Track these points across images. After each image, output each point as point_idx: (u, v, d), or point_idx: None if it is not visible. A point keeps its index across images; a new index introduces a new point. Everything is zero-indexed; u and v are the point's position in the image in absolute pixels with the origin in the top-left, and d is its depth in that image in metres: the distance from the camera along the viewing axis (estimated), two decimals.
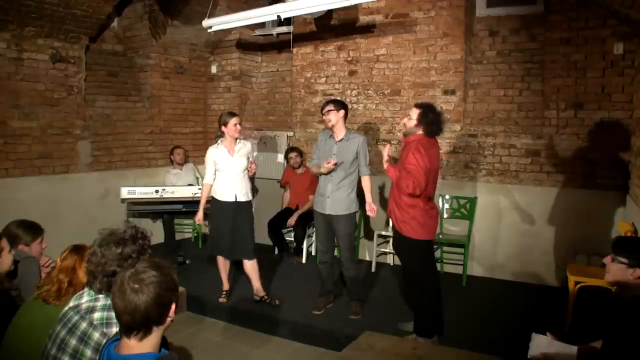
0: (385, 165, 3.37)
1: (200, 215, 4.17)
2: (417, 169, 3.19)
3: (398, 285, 4.66)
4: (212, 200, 4.13)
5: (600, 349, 2.14)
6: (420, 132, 3.33)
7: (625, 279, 2.07)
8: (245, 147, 4.16)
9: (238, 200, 4.07)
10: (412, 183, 3.19)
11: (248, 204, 4.16)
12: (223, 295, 4.28)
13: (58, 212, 5.06)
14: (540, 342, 2.28)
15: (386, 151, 3.38)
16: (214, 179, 4.11)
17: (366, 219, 5.28)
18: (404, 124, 3.42)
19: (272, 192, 6.00)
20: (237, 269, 4.56)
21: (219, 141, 4.15)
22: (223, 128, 4.07)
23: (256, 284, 4.18)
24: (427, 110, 3.34)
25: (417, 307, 3.51)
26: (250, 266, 4.14)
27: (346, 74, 5.57)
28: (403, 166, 3.31)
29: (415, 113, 3.34)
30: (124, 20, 6.05)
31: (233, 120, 4.04)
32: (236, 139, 4.11)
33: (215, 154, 4.09)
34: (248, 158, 4.14)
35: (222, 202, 4.07)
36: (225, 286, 4.33)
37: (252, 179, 4.30)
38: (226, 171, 4.06)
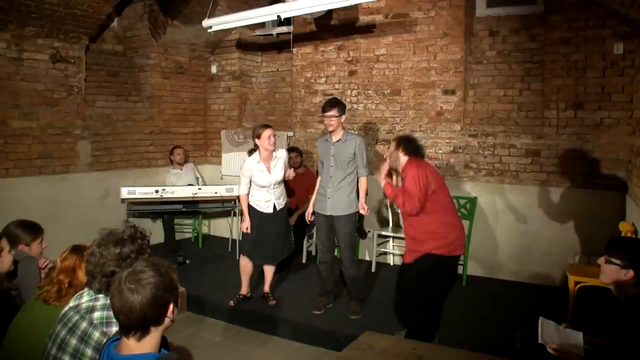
0: (383, 183, 3.39)
1: (247, 223, 4.03)
2: (414, 185, 3.17)
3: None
4: (249, 209, 4.09)
5: (602, 349, 2.14)
6: (401, 153, 3.35)
7: (620, 280, 2.07)
8: (280, 159, 4.07)
9: (277, 209, 4.08)
10: (406, 201, 3.20)
11: (284, 208, 4.17)
12: (237, 299, 4.19)
13: (58, 212, 5.07)
14: (549, 327, 2.28)
15: (385, 167, 3.41)
16: (249, 188, 4.08)
17: (361, 218, 5.27)
18: (386, 160, 3.46)
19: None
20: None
21: (257, 156, 4.00)
22: (257, 141, 3.95)
23: (268, 281, 4.24)
24: (402, 137, 3.52)
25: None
26: (270, 267, 4.19)
27: (346, 74, 5.57)
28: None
29: (393, 143, 3.46)
30: (124, 20, 6.06)
31: (267, 132, 3.90)
32: (272, 152, 3.99)
33: (254, 169, 4.00)
34: (284, 168, 4.08)
35: (261, 212, 4.06)
36: (244, 290, 4.24)
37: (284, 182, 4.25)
38: (263, 187, 4.03)
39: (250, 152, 4.32)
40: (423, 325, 3.32)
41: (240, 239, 4.33)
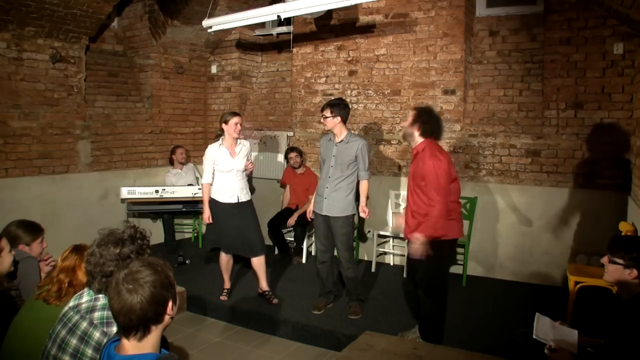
0: (417, 238, 3.14)
1: (207, 214, 4.08)
2: (436, 176, 3.09)
3: (397, 285, 4.68)
4: (211, 202, 4.09)
5: (601, 347, 2.14)
6: (416, 132, 3.28)
7: (623, 279, 2.07)
8: (245, 147, 4.15)
9: (240, 201, 4.07)
10: (437, 193, 3.09)
11: (249, 202, 4.16)
12: (224, 294, 4.29)
13: (58, 212, 5.07)
14: (545, 323, 2.29)
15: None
16: (213, 179, 4.09)
17: (361, 221, 5.27)
18: (402, 126, 3.41)
19: (272, 192, 6.00)
20: (239, 267, 4.56)
21: (220, 140, 4.13)
22: (223, 126, 4.04)
23: (262, 279, 4.20)
24: (422, 112, 3.33)
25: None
26: (258, 261, 4.14)
27: (346, 74, 5.57)
28: (416, 182, 3.23)
29: (410, 114, 3.35)
30: (124, 20, 6.06)
31: (234, 120, 4.01)
32: (236, 139, 4.09)
33: (216, 153, 4.06)
34: (247, 157, 4.13)
35: (224, 203, 4.05)
36: (227, 284, 4.34)
37: (249, 178, 4.30)
38: (226, 172, 4.05)
39: (217, 137, 4.34)
40: (437, 312, 3.32)
41: (204, 232, 4.33)
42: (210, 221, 4.08)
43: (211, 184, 4.10)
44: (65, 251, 2.16)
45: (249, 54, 6.60)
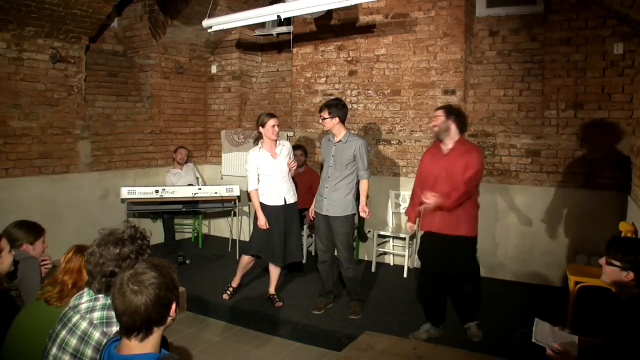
0: (434, 201, 3.27)
1: (263, 220, 3.93)
2: (479, 169, 3.32)
3: (398, 285, 4.67)
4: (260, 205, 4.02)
5: (600, 348, 2.15)
6: (453, 127, 3.36)
7: (620, 280, 2.08)
8: (285, 147, 4.08)
9: (287, 202, 4.04)
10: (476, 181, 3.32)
11: (295, 204, 4.13)
12: (228, 292, 4.25)
13: (58, 212, 5.07)
14: (544, 328, 2.29)
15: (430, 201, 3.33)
16: (258, 183, 4.02)
17: (361, 221, 5.27)
18: (432, 128, 3.46)
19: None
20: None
21: (260, 144, 4.05)
22: (260, 129, 3.97)
23: (273, 283, 4.19)
24: (452, 108, 3.47)
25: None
26: (276, 267, 4.13)
27: (346, 74, 5.57)
28: (454, 173, 3.31)
29: (439, 112, 3.41)
30: (124, 20, 6.06)
31: (271, 122, 3.93)
32: (275, 140, 4.01)
33: (258, 158, 3.99)
34: (289, 157, 4.07)
35: (272, 206, 4.00)
36: (235, 283, 4.28)
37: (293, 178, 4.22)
38: (271, 175, 3.99)
39: (256, 141, 4.26)
40: (479, 292, 3.54)
41: (250, 237, 4.24)
42: (267, 227, 3.95)
43: (257, 190, 4.02)
44: (68, 252, 2.15)
45: (249, 54, 6.60)
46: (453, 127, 3.37)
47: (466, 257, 3.43)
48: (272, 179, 4.00)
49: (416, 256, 3.88)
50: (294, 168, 4.11)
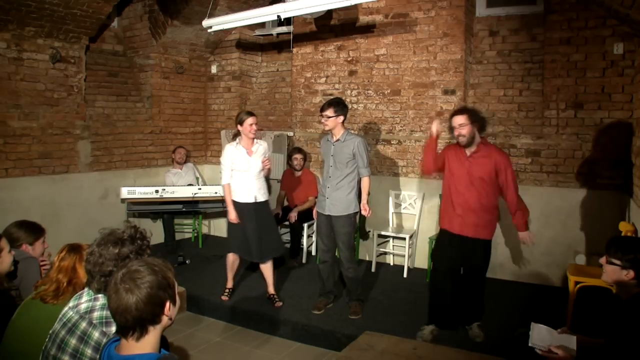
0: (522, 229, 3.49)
1: (233, 214, 4.00)
2: (513, 171, 3.38)
3: (398, 285, 4.67)
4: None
5: (601, 347, 2.15)
6: (476, 131, 3.33)
7: (621, 280, 2.08)
8: (262, 147, 4.11)
9: (258, 201, 4.05)
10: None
11: (267, 203, 4.15)
12: (226, 293, 4.27)
13: (58, 212, 5.07)
14: (540, 332, 2.29)
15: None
16: (231, 178, 4.05)
17: (362, 219, 5.27)
18: (461, 136, 3.32)
19: (272, 192, 5.99)
20: (241, 268, 4.55)
21: (237, 140, 4.10)
22: (239, 127, 4.02)
23: (269, 283, 4.18)
24: (471, 111, 3.41)
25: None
26: (267, 265, 4.13)
27: (346, 74, 5.57)
28: (483, 178, 3.34)
29: (461, 118, 3.31)
30: (124, 20, 6.06)
31: (249, 120, 3.97)
32: (253, 138, 4.05)
33: (234, 153, 4.03)
34: (264, 156, 4.09)
35: (242, 203, 4.03)
36: (230, 284, 4.32)
37: (267, 178, 4.25)
38: (244, 172, 4.02)
39: (234, 137, 4.31)
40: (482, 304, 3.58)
41: (227, 235, 4.29)
42: (238, 221, 4.01)
43: (229, 184, 4.06)
44: (61, 251, 2.15)
45: (249, 54, 6.60)
46: (476, 132, 3.35)
47: (481, 260, 3.46)
48: (245, 176, 4.02)
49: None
50: (268, 167, 4.13)
